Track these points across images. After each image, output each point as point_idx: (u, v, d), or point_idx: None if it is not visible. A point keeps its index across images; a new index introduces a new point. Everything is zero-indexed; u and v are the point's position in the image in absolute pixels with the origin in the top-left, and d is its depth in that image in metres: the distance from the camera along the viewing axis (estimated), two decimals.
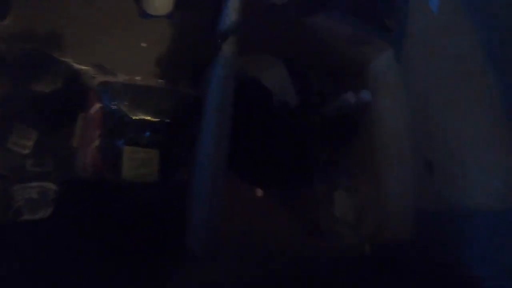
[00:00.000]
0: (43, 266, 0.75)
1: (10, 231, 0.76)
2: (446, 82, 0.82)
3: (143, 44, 0.95)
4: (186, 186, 0.77)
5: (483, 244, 0.67)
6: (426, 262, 0.75)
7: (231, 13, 0.74)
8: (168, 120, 0.79)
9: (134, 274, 0.75)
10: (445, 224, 0.76)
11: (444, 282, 0.70)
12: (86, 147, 0.79)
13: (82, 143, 0.80)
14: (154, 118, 0.78)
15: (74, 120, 0.81)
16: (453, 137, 0.78)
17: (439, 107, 0.82)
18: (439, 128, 0.82)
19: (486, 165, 0.69)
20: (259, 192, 0.85)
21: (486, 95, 0.73)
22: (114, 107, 0.76)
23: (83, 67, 0.85)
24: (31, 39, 0.86)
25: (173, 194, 0.79)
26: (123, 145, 0.78)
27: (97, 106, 0.79)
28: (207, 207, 0.59)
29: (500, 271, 0.61)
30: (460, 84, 0.80)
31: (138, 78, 0.86)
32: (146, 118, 0.77)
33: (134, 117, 0.76)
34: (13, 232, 0.76)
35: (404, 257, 0.77)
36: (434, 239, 0.77)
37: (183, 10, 0.99)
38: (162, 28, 0.97)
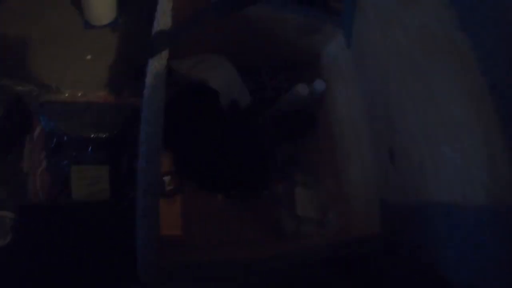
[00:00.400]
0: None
1: None
2: (408, 58, 0.77)
3: (88, 57, 0.93)
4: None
5: (460, 242, 0.61)
6: (396, 262, 0.71)
7: (162, 17, 0.71)
8: (110, 134, 0.77)
9: None
10: (417, 219, 0.70)
11: (416, 283, 0.66)
12: (34, 171, 0.78)
13: (31, 167, 0.78)
14: (96, 133, 0.76)
15: (21, 144, 0.80)
16: (417, 120, 0.73)
17: (401, 87, 0.77)
18: (401, 110, 0.77)
19: (462, 151, 0.62)
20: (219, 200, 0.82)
21: (459, 69, 0.65)
22: (52, 127, 0.74)
23: (27, 88, 0.83)
24: None
25: (126, 210, 0.77)
26: (68, 165, 0.76)
27: (40, 127, 0.77)
28: (143, 229, 0.57)
29: (478, 273, 0.55)
30: (426, 59, 0.74)
31: (79, 94, 0.84)
32: (86, 135, 0.75)
33: (74, 135, 0.74)
34: None
35: (372, 256, 0.74)
36: (404, 236, 0.72)
37: (127, 18, 0.97)
38: (106, 38, 0.95)
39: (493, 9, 0.53)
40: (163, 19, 0.71)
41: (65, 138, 0.74)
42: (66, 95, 0.81)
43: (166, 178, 0.79)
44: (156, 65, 0.66)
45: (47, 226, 0.79)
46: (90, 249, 0.77)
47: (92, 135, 0.76)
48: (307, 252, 0.74)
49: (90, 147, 0.76)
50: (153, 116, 0.63)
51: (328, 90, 0.82)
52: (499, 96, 0.51)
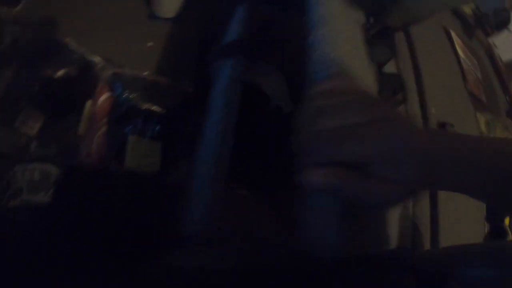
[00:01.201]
0: (38, 247, 0.77)
1: (8, 210, 0.78)
2: None
3: (150, 44, 1.01)
4: (185, 178, 0.82)
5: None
6: None
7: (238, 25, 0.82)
8: (172, 115, 0.85)
9: (128, 256, 0.79)
10: None
11: None
12: (92, 134, 0.83)
13: (88, 130, 0.84)
14: (160, 111, 0.84)
15: (82, 107, 0.85)
16: None
17: None
18: None
19: None
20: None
21: None
22: (124, 96, 0.81)
23: (93, 58, 0.90)
24: (43, 26, 0.90)
25: (172, 185, 0.84)
26: (128, 134, 0.82)
27: (107, 94, 0.83)
28: (209, 194, 0.64)
29: None
30: None
31: (145, 73, 0.91)
32: (153, 110, 0.82)
33: (143, 107, 0.81)
34: (10, 211, 0.78)
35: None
36: None
37: (190, 14, 1.07)
38: (169, 29, 1.04)
39: None
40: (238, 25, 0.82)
41: (134, 108, 0.81)
42: (135, 72, 0.88)
43: None
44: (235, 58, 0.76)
45: (92, 188, 0.83)
46: (130, 218, 0.82)
47: (157, 110, 0.83)
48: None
49: (152, 122, 0.83)
50: (230, 102, 0.72)
51: None
52: None
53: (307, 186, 0.34)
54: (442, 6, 0.88)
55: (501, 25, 1.37)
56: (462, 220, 0.91)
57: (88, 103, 0.86)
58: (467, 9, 1.38)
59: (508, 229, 0.90)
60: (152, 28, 1.02)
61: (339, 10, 0.66)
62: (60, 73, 0.85)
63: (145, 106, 0.82)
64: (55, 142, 0.83)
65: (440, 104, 1.03)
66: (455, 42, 1.25)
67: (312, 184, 0.33)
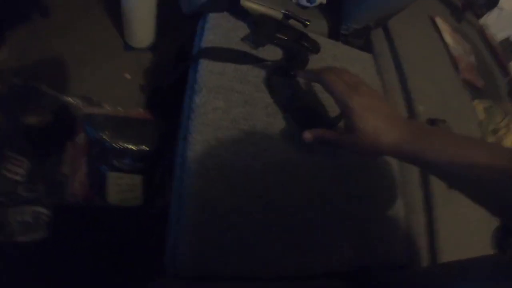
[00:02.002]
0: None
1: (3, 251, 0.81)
2: None
3: (127, 76, 1.02)
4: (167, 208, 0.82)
5: None
6: None
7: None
8: (146, 148, 0.85)
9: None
10: None
11: None
12: (74, 173, 0.84)
13: (71, 169, 0.85)
14: (135, 146, 0.84)
15: (63, 148, 0.87)
16: None
17: None
18: None
19: None
20: None
21: None
22: (97, 136, 0.82)
23: (70, 99, 0.91)
24: (22, 73, 0.93)
25: (156, 217, 0.84)
26: (107, 171, 0.83)
27: (83, 134, 0.85)
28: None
29: None
30: None
31: (120, 109, 0.92)
32: (127, 146, 0.83)
33: (115, 145, 0.82)
34: (5, 252, 0.81)
35: None
36: None
37: (165, 43, 1.07)
38: (145, 60, 1.05)
39: None
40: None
41: (107, 146, 0.81)
42: (108, 109, 0.89)
43: None
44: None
45: (80, 226, 0.84)
46: (118, 250, 0.83)
47: (130, 147, 0.83)
48: None
49: (128, 157, 0.83)
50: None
51: None
52: None
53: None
54: None
55: (491, 4, 1.30)
56: (463, 222, 0.86)
57: (68, 144, 0.87)
58: None
59: None
60: (128, 59, 1.03)
61: None
62: (38, 118, 0.87)
63: (120, 142, 0.83)
64: (42, 184, 0.85)
65: (429, 100, 0.98)
66: (442, 30, 1.18)
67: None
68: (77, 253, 0.82)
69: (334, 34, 0.93)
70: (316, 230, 0.64)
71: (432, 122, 0.93)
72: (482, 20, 1.34)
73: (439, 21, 1.20)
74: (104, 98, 0.95)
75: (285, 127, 0.69)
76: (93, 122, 0.83)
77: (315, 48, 0.79)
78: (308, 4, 0.85)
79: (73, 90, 0.95)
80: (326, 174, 0.68)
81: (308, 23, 0.78)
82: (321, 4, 0.87)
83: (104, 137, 0.82)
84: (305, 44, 0.77)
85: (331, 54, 0.85)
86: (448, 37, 1.18)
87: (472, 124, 1.07)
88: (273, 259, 0.59)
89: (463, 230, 0.86)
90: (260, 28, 0.73)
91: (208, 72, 0.66)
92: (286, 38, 0.75)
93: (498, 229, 0.90)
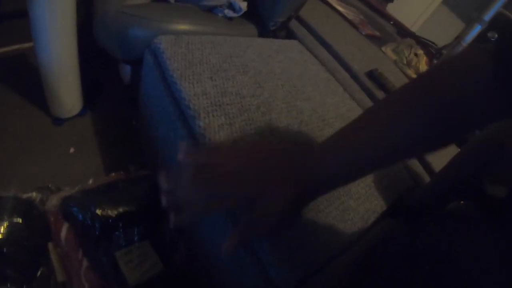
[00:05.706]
0: None
1: None
2: None
3: (71, 150, 0.91)
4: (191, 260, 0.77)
5: None
6: None
7: None
8: (138, 207, 0.77)
9: None
10: None
11: None
12: (75, 274, 0.72)
13: (68, 273, 0.73)
14: (126, 209, 0.75)
15: (45, 253, 0.74)
16: None
17: None
18: None
19: None
20: None
21: None
22: (89, 216, 0.71)
23: (27, 196, 0.78)
24: None
25: (180, 275, 0.78)
26: (113, 253, 0.73)
27: (66, 226, 0.73)
28: None
29: None
30: None
31: (90, 181, 0.82)
32: (117, 214, 0.74)
33: (106, 219, 0.73)
34: None
35: None
36: None
37: (94, 105, 0.98)
38: (80, 127, 0.94)
39: None
40: None
41: (99, 225, 0.71)
42: (76, 188, 0.78)
43: None
44: None
45: None
46: None
47: (122, 212, 0.75)
48: None
49: (124, 226, 0.74)
50: None
51: None
52: None
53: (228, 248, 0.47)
54: None
55: None
56: None
57: (50, 246, 0.74)
58: None
59: None
60: (64, 133, 0.91)
61: None
62: (5, 229, 0.72)
63: (111, 213, 0.74)
64: None
65: (357, 58, 1.12)
66: (333, 4, 1.36)
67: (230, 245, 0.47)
68: None
69: (262, 33, 0.99)
70: None
71: (371, 73, 1.06)
72: None
73: None
74: (60, 181, 0.84)
75: (281, 119, 0.72)
76: (76, 201, 0.73)
77: None
78: (235, 15, 0.89)
79: (24, 187, 0.81)
80: None
81: None
82: (244, 12, 0.92)
83: (90, 216, 0.73)
84: None
85: (274, 50, 0.91)
86: (339, 8, 1.36)
87: (390, 66, 1.25)
88: None
89: None
90: None
91: (194, 96, 0.65)
92: None
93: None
